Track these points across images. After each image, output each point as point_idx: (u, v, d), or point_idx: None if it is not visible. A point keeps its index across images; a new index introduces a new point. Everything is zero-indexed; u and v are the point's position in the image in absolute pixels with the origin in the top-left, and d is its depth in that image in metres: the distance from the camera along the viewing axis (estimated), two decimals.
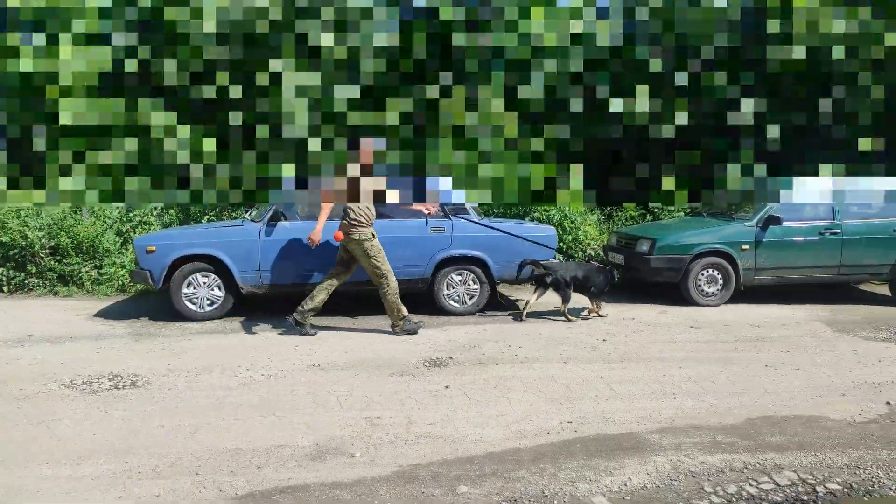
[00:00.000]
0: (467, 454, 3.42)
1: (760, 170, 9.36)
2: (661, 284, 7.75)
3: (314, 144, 6.30)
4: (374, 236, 5.75)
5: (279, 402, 4.14)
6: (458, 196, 6.75)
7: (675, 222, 8.77)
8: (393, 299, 5.81)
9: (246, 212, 7.70)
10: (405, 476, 3.17)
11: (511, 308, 7.30)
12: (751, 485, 3.15)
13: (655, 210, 10.75)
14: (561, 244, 8.93)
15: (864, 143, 7.75)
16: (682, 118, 7.34)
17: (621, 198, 8.42)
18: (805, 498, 3.07)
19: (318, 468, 3.24)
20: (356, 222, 5.66)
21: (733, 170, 7.64)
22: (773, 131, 7.32)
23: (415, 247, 6.52)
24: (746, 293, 7.69)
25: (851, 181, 7.90)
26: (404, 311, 5.90)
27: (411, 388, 4.43)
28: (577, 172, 7.76)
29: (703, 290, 7.52)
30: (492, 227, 6.78)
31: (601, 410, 4.07)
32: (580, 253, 9.11)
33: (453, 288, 6.74)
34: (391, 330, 5.99)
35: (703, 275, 7.52)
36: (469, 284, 6.75)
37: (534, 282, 6.81)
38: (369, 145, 5.58)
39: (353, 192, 5.50)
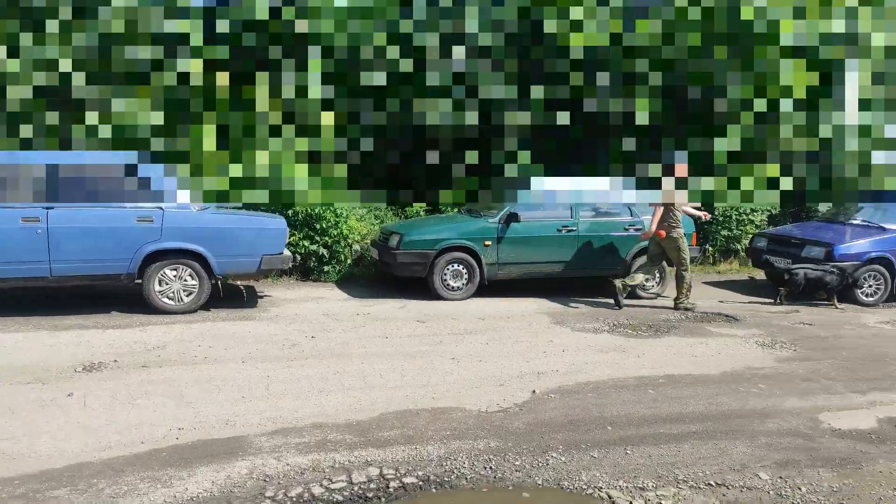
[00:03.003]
0: (16, 473, 2.99)
1: (537, 169, 9.63)
2: (412, 279, 7.75)
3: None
4: (683, 235, 7.33)
5: None
6: (183, 196, 6.29)
7: (429, 219, 8.85)
8: (687, 281, 7.37)
9: None
10: None
11: (250, 304, 6.89)
12: (321, 485, 3.03)
13: (442, 208, 10.83)
14: (326, 238, 8.66)
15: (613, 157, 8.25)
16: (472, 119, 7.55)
17: (408, 197, 8.41)
18: (370, 495, 2.99)
19: None
20: (676, 224, 7.26)
21: (510, 170, 7.88)
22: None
23: (115, 238, 5.93)
24: (498, 287, 7.88)
25: (591, 182, 8.36)
26: (688, 295, 7.42)
27: (25, 397, 3.90)
28: (340, 171, 7.57)
29: (448, 285, 7.61)
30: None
31: (230, 413, 3.81)
32: (346, 249, 8.88)
33: (167, 284, 6.21)
34: (673, 306, 7.50)
35: (448, 269, 7.60)
36: (186, 280, 6.25)
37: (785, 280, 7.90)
38: (683, 159, 6.94)
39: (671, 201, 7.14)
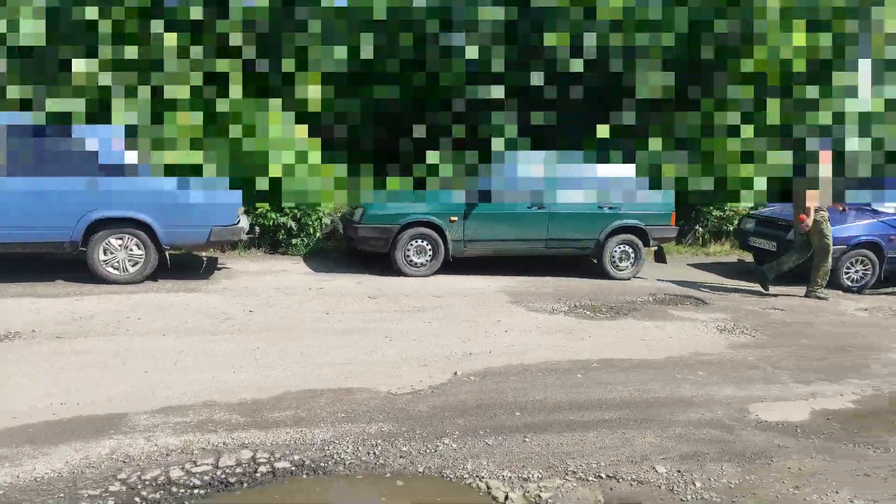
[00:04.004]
0: None
1: (524, 143, 9.33)
2: (374, 254, 7.57)
3: None
4: (827, 219, 7.07)
5: None
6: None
7: (396, 193, 8.60)
8: (825, 269, 7.13)
9: None
10: None
11: (203, 276, 6.76)
12: (182, 468, 2.88)
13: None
14: (296, 210, 8.49)
15: (602, 131, 8.03)
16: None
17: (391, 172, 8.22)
18: (233, 480, 2.84)
19: None
20: (820, 207, 7.01)
21: (497, 143, 7.72)
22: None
23: (57, 205, 5.81)
24: (466, 264, 7.68)
25: (565, 157, 8.04)
26: (822, 283, 7.18)
27: None
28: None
29: (411, 261, 7.41)
30: None
31: (123, 389, 3.68)
32: (317, 222, 8.70)
33: (112, 253, 6.10)
34: (804, 294, 7.26)
35: (411, 245, 7.39)
36: (132, 250, 6.13)
37: None
38: (827, 146, 6.92)
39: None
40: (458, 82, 7.57)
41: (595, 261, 8.16)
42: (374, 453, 3.13)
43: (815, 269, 7.20)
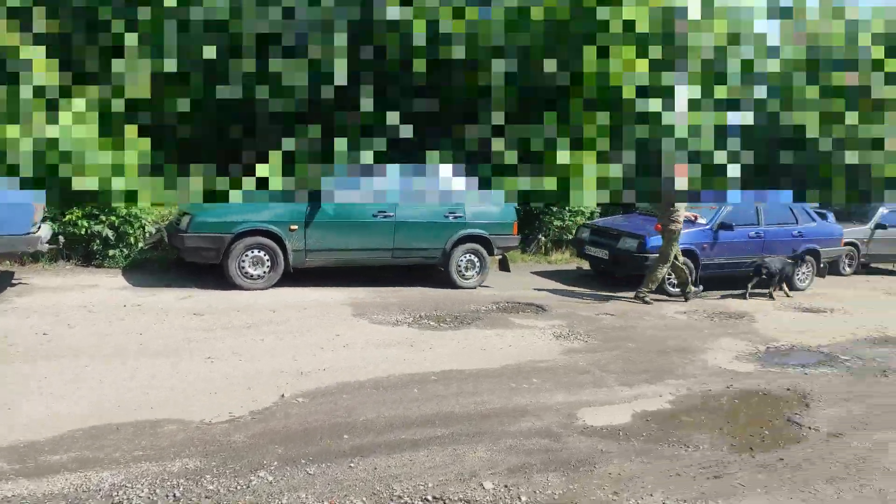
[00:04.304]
0: None
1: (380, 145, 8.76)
2: (206, 265, 6.94)
3: None
4: (678, 232, 7.57)
5: None
6: None
7: (225, 197, 8.03)
8: (657, 276, 7.63)
9: None
10: None
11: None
12: None
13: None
14: (113, 217, 7.57)
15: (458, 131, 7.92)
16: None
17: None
18: None
19: None
20: (676, 220, 7.51)
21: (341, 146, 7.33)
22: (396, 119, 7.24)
23: None
24: (308, 276, 7.28)
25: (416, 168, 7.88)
26: (652, 288, 7.69)
27: None
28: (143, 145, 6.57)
29: (247, 273, 6.88)
30: None
31: None
32: (139, 230, 7.84)
33: None
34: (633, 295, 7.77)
35: (247, 256, 6.87)
36: None
37: (752, 272, 8.51)
38: (684, 159, 7.21)
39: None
40: (303, 81, 7.21)
41: (443, 269, 8.15)
42: (174, 495, 2.73)
43: (649, 273, 7.74)
